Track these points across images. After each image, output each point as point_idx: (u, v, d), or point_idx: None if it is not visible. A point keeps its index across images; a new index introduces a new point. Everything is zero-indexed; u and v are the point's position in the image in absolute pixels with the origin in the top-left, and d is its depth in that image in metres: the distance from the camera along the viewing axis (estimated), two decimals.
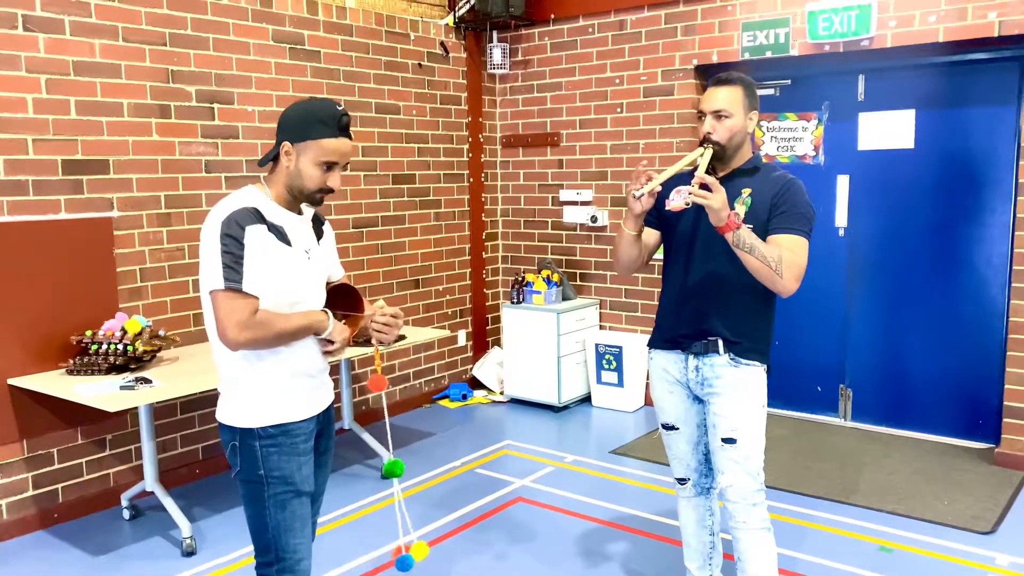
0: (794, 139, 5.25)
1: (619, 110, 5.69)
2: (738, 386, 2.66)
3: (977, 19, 4.34)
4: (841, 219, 5.13)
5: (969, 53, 4.61)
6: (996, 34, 4.30)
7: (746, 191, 2.62)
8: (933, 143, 4.83)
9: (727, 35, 5.15)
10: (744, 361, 2.66)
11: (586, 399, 5.89)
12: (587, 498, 4.18)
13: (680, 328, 2.73)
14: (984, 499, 4.06)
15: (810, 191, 2.69)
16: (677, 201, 2.55)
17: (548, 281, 5.80)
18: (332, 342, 2.27)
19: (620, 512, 4.02)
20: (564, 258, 6.10)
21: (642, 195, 2.52)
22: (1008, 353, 4.46)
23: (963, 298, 4.83)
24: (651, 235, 2.80)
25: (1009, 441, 4.47)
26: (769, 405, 2.85)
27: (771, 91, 5.32)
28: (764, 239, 2.55)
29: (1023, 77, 4.35)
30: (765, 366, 2.71)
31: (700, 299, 2.68)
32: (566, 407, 5.76)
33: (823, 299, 5.24)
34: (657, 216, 2.77)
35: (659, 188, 2.54)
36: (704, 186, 2.44)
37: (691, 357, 2.72)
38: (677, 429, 2.85)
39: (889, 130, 4.95)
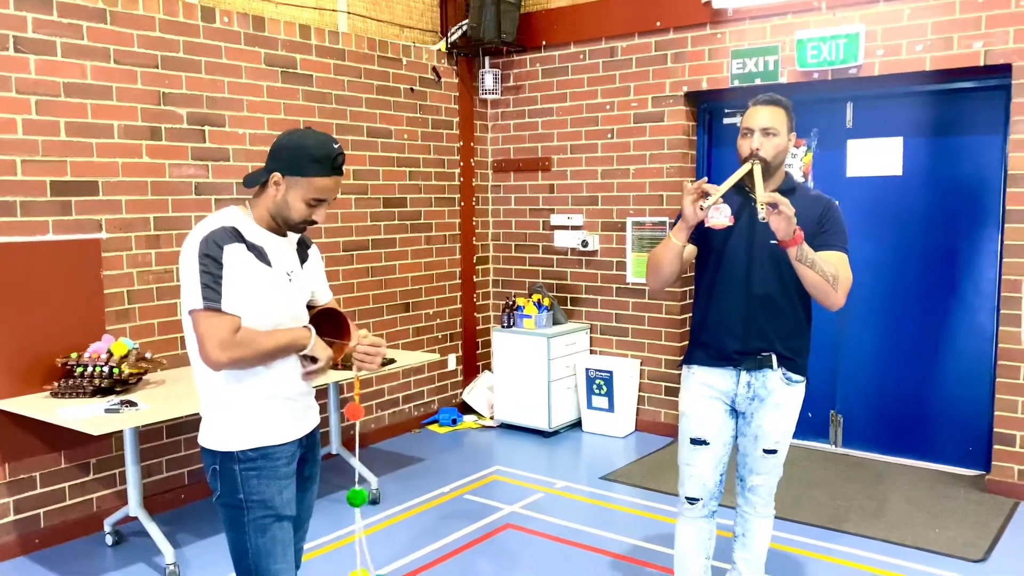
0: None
1: (610, 136, 5.72)
2: (787, 404, 2.81)
3: (963, 48, 4.40)
4: None
5: (956, 82, 4.66)
6: (982, 63, 4.36)
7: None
8: (921, 170, 4.87)
9: (717, 62, 5.20)
10: (795, 378, 2.80)
11: (576, 424, 5.86)
12: (577, 524, 4.14)
13: (734, 344, 2.78)
14: (975, 527, 4.04)
15: None
16: (718, 218, 2.59)
17: (539, 305, 5.79)
18: (315, 360, 2.25)
19: (609, 539, 3.98)
20: (555, 282, 6.10)
21: (708, 206, 2.56)
22: (997, 379, 4.46)
23: (952, 324, 4.84)
24: (690, 250, 2.83)
25: (999, 468, 4.46)
26: None
27: None
28: None
29: (1009, 106, 4.40)
30: (806, 380, 2.86)
31: (756, 316, 2.75)
32: (556, 432, 5.73)
33: (814, 324, 5.22)
34: (696, 232, 2.78)
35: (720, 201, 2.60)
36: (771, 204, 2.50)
37: (743, 373, 2.78)
38: (708, 444, 2.85)
39: (877, 157, 4.99)
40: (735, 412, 2.87)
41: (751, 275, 2.74)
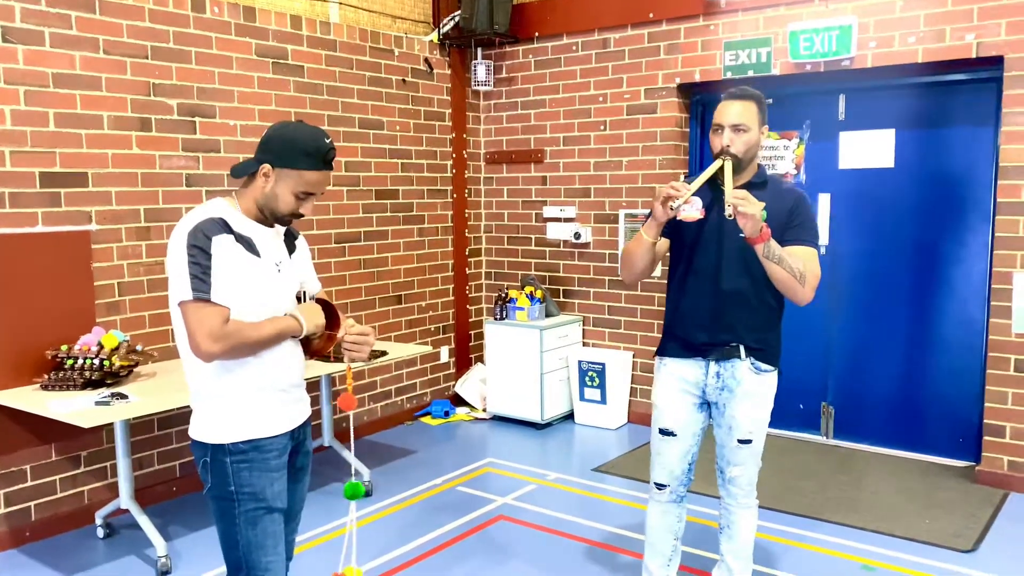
0: (776, 157, 5.29)
1: (602, 128, 5.71)
2: (758, 393, 2.82)
3: (955, 40, 4.40)
4: (823, 237, 5.15)
5: (948, 74, 4.66)
6: (974, 55, 4.36)
7: (760, 204, 2.65)
8: (913, 162, 4.87)
9: (709, 54, 5.19)
10: (764, 368, 2.80)
11: (569, 416, 5.86)
12: (569, 516, 4.15)
13: (702, 336, 2.80)
14: (965, 517, 4.06)
15: None
16: (689, 211, 2.63)
17: (531, 297, 5.79)
18: (311, 339, 2.26)
19: (602, 530, 3.99)
20: (547, 275, 6.10)
21: (679, 206, 2.59)
22: (988, 371, 4.48)
23: (943, 316, 4.86)
24: (663, 244, 2.86)
25: (989, 459, 4.48)
26: None
27: None
28: None
29: (1000, 98, 4.40)
30: (777, 370, 2.86)
31: (725, 309, 2.77)
32: (549, 424, 5.73)
33: (805, 316, 5.22)
34: (668, 225, 2.79)
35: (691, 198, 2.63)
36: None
37: (712, 363, 2.81)
38: (675, 435, 2.89)
39: (870, 149, 4.99)
40: (707, 404, 2.89)
41: (721, 268, 2.76)
